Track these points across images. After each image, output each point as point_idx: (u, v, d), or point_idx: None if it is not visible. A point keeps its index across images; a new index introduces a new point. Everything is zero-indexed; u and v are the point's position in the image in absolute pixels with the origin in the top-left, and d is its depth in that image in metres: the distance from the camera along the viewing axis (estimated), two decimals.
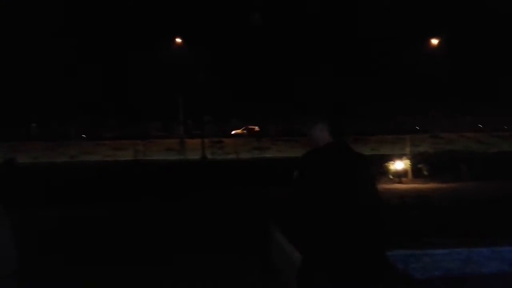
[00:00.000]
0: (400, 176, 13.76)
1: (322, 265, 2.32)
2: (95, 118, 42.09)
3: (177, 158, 21.38)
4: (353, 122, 32.63)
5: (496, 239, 4.99)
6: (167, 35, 36.34)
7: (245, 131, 39.77)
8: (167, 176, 13.33)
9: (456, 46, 36.33)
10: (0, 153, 14.61)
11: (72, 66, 40.94)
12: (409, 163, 14.28)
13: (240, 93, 39.89)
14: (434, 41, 34.06)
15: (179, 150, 24.85)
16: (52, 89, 40.69)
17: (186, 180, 12.61)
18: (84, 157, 22.50)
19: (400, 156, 14.61)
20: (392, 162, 14.06)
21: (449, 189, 11.80)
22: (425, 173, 14.09)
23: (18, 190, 2.61)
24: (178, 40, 34.08)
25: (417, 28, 36.51)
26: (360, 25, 39.11)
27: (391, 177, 13.66)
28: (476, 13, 37.63)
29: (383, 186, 11.98)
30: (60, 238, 7.13)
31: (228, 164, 16.72)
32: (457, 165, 14.04)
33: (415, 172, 14.18)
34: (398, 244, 4.43)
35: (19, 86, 42.32)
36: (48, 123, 40.94)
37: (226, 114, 41.74)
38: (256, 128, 40.59)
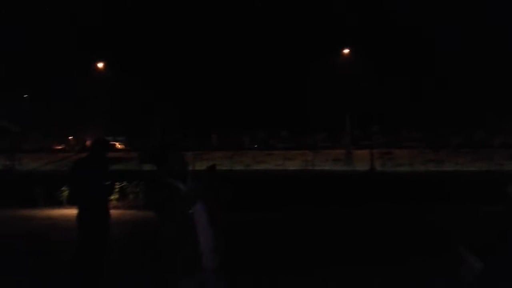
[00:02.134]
0: None
1: None
2: (270, 130, 44.40)
3: (345, 169, 21.09)
4: None
5: None
6: (335, 47, 36.54)
7: None
8: (337, 185, 13.28)
9: None
10: (191, 161, 16.49)
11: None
12: None
13: (411, 101, 37.71)
14: None
15: (345, 160, 24.52)
16: (231, 102, 44.46)
17: (357, 190, 12.39)
18: (256, 166, 23.85)
19: None
20: None
21: None
22: None
23: (218, 194, 2.94)
24: (346, 50, 33.92)
25: None
26: None
27: None
28: None
29: None
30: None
31: (400, 176, 15.77)
32: None
33: None
34: None
35: (202, 101, 47.15)
36: (227, 134, 44.64)
37: (396, 124, 39.80)
38: None
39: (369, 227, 9.19)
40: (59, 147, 46.81)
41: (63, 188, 12.12)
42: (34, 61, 50.96)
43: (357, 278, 5.76)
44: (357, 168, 20.76)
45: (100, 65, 43.54)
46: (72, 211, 10.65)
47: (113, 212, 5.40)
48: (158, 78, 44.40)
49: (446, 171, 18.01)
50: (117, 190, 11.40)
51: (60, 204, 12.34)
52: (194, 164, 16.39)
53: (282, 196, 11.76)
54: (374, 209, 10.82)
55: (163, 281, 3.15)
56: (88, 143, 48.12)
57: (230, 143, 39.73)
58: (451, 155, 23.47)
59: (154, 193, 3.15)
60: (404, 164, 20.91)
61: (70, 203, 11.57)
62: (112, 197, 7.68)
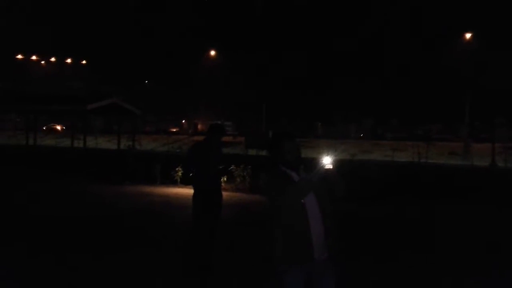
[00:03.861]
0: None
1: None
2: (378, 119, 42.72)
3: (462, 163, 19.56)
4: None
5: None
6: (453, 32, 33.81)
7: None
8: (449, 180, 12.39)
9: None
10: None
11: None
12: None
13: None
14: None
15: (463, 154, 22.71)
16: (338, 87, 43.57)
17: (472, 186, 11.43)
18: (362, 156, 23.17)
19: None
20: None
21: None
22: None
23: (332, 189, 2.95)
24: (468, 35, 31.17)
25: None
26: None
27: None
28: None
29: None
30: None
31: None
32: None
33: None
34: None
35: (308, 87, 46.90)
36: (333, 123, 43.82)
37: None
38: None
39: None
40: (174, 130, 50.11)
41: (177, 168, 12.91)
42: (152, 47, 54.80)
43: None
44: (475, 163, 19.13)
45: (213, 52, 45.43)
46: (185, 190, 11.34)
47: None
48: (266, 65, 45.00)
49: None
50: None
51: (175, 182, 13.18)
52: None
53: (393, 189, 11.25)
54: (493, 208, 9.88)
55: (273, 268, 3.15)
56: (199, 126, 50.83)
57: (336, 132, 39.02)
58: None
59: (269, 181, 3.15)
60: None
61: (184, 182, 12.37)
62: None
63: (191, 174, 5.51)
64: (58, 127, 48.98)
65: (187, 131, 49.42)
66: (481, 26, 32.09)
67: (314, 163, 3.14)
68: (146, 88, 57.38)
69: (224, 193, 6.92)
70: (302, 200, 3.02)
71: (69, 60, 57.21)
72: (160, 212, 9.54)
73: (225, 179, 11.72)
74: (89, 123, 34.05)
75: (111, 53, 54.69)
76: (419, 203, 10.56)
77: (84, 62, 58.21)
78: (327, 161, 3.08)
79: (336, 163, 3.14)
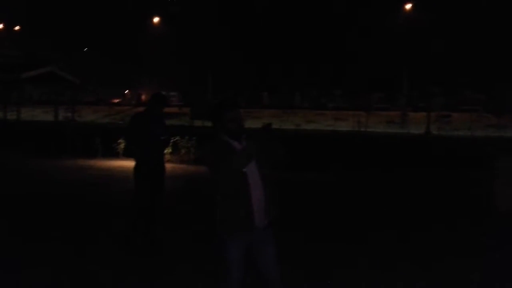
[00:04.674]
0: None
1: None
2: (322, 88, 43.35)
3: (399, 131, 20.44)
4: None
5: None
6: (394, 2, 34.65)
7: None
8: (386, 149, 12.94)
9: None
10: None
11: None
12: None
13: (472, 62, 35.36)
14: None
15: (400, 123, 23.72)
16: (282, 59, 43.75)
17: (405, 154, 12.04)
18: (306, 125, 23.59)
19: None
20: None
21: None
22: None
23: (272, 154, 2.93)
24: (408, 5, 32.17)
25: None
26: None
27: None
28: None
29: None
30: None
31: (457, 141, 15.06)
32: None
33: None
34: None
35: (253, 57, 46.79)
36: (278, 92, 44.05)
37: (457, 86, 37.59)
38: None
39: (408, 192, 8.96)
40: (116, 101, 48.43)
41: (119, 141, 12.58)
42: (93, 15, 52.08)
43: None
44: (411, 131, 20.07)
45: (156, 19, 43.86)
46: (128, 163, 11.11)
47: (165, 165, 5.55)
48: (212, 35, 44.16)
49: (507, 137, 16.98)
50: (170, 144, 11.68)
51: (117, 155, 12.86)
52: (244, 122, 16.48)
53: (331, 158, 11.62)
54: (417, 174, 10.50)
55: (216, 235, 3.20)
56: (143, 97, 49.41)
57: (281, 101, 39.29)
58: None
59: (210, 150, 3.15)
60: (462, 128, 19.97)
61: (125, 155, 12.08)
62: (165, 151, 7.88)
63: (132, 146, 5.37)
64: None
65: (130, 101, 47.93)
66: None
67: (256, 132, 3.17)
68: (86, 56, 54.69)
69: (169, 165, 6.87)
70: (244, 169, 3.06)
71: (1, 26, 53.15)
72: (104, 184, 9.32)
73: (170, 150, 11.58)
74: (24, 93, 32.14)
75: (48, 17, 51.38)
76: (357, 171, 11.02)
77: (18, 28, 54.29)
78: (268, 129, 3.12)
79: (280, 133, 3.19)
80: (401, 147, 13.15)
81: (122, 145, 12.52)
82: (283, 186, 3.93)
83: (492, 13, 35.19)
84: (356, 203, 8.01)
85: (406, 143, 14.38)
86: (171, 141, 11.20)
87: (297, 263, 4.78)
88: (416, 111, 26.56)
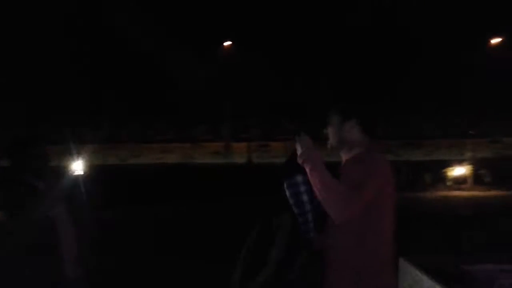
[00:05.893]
0: (459, 182, 12.89)
1: None
2: (146, 121, 42.65)
3: (224, 162, 21.30)
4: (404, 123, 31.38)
5: None
6: (216, 38, 36.47)
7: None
8: (211, 179, 13.29)
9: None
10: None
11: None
12: (470, 169, 13.33)
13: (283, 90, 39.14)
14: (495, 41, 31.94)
15: (224, 153, 24.78)
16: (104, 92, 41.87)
17: (228, 183, 12.56)
18: (134, 160, 22.87)
19: (459, 162, 13.69)
20: (451, 168, 13.18)
21: None
22: (487, 180, 13.12)
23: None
24: (227, 43, 34.17)
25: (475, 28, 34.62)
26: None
27: (449, 183, 12.83)
28: None
29: (441, 193, 11.26)
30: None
31: (276, 168, 16.37)
32: None
33: (476, 179, 13.27)
34: None
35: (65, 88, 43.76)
36: (101, 126, 41.86)
37: (274, 117, 41.09)
38: None
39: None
40: None
41: None
42: None
43: None
44: (235, 161, 21.10)
45: None
46: None
47: None
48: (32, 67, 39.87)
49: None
50: None
51: None
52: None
53: (156, 191, 11.45)
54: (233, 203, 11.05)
55: None
56: None
57: (104, 136, 37.40)
58: None
59: (6, 193, 2.68)
60: (280, 156, 21.78)
61: None
62: None
63: None
64: None
65: None
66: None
67: (63, 170, 2.84)
68: None
69: None
70: (50, 213, 2.68)
71: None
72: None
73: None
74: None
75: None
76: (185, 202, 11.02)
77: None
78: (77, 166, 2.82)
79: (96, 169, 2.91)
80: (226, 176, 13.67)
81: None
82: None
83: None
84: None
85: (230, 172, 15.02)
86: None
87: None
88: (239, 142, 28.11)
